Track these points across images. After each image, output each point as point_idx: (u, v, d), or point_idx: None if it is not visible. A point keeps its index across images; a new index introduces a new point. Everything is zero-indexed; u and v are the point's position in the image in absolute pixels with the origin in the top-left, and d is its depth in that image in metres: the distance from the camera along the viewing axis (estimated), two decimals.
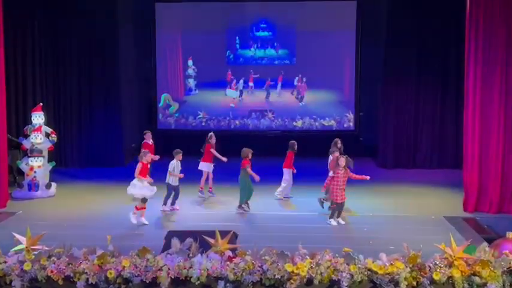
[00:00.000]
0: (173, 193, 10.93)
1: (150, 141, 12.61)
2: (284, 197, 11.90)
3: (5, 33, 11.20)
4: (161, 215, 10.70)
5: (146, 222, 10.01)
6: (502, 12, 10.32)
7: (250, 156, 10.92)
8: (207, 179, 12.08)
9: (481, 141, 10.67)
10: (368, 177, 10.32)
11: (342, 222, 10.11)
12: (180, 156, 10.89)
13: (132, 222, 9.90)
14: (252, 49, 17.49)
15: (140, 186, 9.92)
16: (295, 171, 11.84)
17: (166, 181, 10.88)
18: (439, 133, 15.54)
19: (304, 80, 17.33)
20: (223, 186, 12.17)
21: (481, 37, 10.41)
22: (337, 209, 10.10)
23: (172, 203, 10.99)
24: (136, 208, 9.98)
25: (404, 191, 12.72)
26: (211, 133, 12.26)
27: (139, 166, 10.01)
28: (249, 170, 10.83)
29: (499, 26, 10.36)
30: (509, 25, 10.34)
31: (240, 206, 10.91)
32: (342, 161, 10.05)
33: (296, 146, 11.87)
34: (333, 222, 10.02)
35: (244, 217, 10.60)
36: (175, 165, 10.83)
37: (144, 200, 9.97)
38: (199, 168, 12.05)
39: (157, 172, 11.20)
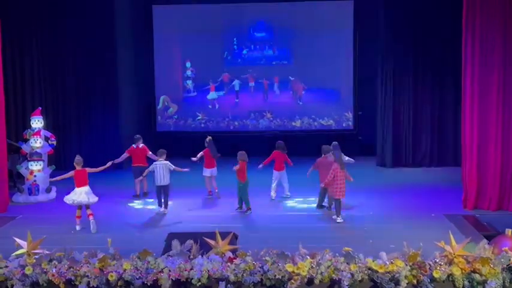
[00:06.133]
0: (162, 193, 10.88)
1: (137, 146, 12.29)
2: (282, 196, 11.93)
3: (3, 38, 11.19)
4: (161, 217, 10.69)
5: (78, 228, 9.70)
6: (498, 13, 10.32)
7: (243, 158, 10.80)
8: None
9: (479, 138, 10.67)
10: (352, 179, 10.28)
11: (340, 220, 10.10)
12: (162, 156, 10.88)
13: (92, 231, 9.59)
14: (250, 50, 17.51)
15: (78, 193, 9.70)
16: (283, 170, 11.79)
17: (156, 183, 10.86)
18: (437, 131, 15.58)
19: (301, 80, 17.32)
20: (223, 187, 12.17)
21: (477, 37, 10.39)
22: (337, 205, 10.08)
23: (162, 204, 10.88)
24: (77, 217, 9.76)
25: (403, 190, 12.73)
26: (210, 137, 12.19)
27: (71, 174, 9.87)
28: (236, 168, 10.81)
29: (496, 27, 10.35)
30: (506, 25, 10.34)
31: (248, 208, 10.87)
32: (332, 156, 10.10)
33: (279, 146, 11.82)
34: (339, 219, 10.02)
35: (244, 218, 10.61)
36: (157, 165, 10.74)
37: (80, 207, 9.72)
38: (203, 174, 12.03)
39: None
